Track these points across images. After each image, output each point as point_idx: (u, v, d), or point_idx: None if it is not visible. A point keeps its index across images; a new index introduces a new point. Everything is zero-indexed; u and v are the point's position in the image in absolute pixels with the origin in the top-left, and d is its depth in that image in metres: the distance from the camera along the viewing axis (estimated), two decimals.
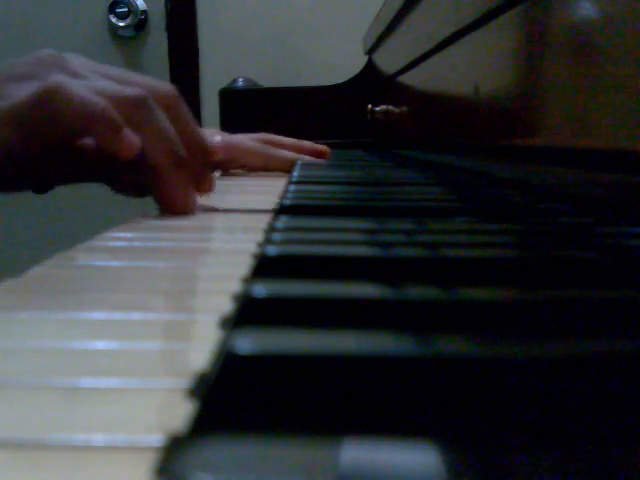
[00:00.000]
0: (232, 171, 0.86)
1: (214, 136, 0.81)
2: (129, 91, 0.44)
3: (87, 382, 0.16)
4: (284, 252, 0.28)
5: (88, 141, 0.44)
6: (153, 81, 0.47)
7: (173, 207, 0.44)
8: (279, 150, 0.86)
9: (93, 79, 0.45)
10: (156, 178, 0.44)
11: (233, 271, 0.27)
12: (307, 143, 0.94)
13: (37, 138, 0.43)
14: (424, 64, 0.89)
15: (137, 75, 0.48)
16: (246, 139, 0.85)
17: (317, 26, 2.02)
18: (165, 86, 0.47)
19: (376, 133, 1.41)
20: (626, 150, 0.35)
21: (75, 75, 0.45)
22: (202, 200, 0.49)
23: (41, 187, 0.51)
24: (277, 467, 0.12)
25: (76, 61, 0.47)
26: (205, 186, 0.48)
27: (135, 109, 0.43)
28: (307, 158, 0.90)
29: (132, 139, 0.42)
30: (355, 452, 0.13)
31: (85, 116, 0.42)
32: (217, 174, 0.81)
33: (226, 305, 0.22)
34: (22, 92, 0.42)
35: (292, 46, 2.04)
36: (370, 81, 1.46)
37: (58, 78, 0.43)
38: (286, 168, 0.82)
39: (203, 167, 0.48)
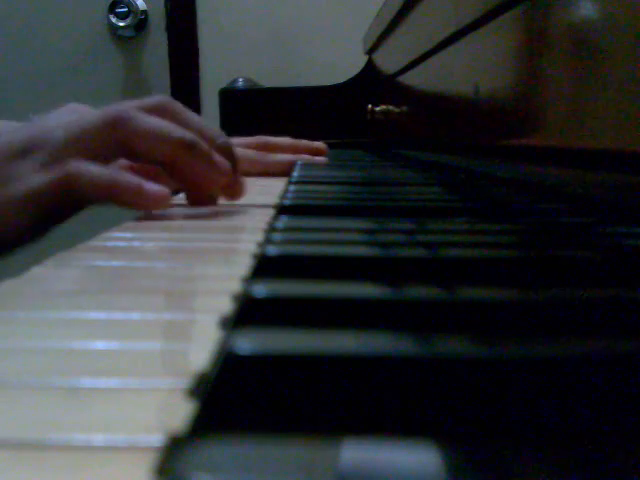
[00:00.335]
0: None
1: None
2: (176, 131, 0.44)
3: (87, 382, 0.16)
4: (284, 252, 0.28)
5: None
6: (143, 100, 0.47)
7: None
8: (276, 155, 0.86)
9: None
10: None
11: (233, 271, 0.27)
12: (304, 142, 0.94)
13: (55, 220, 0.43)
14: (424, 64, 0.89)
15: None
16: (242, 145, 0.85)
17: (317, 26, 2.02)
18: (157, 99, 0.47)
19: (376, 133, 1.41)
20: (626, 150, 0.35)
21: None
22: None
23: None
24: (277, 467, 0.12)
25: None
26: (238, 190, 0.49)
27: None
28: (305, 157, 0.90)
29: (158, 191, 0.42)
30: (355, 452, 0.13)
31: (105, 194, 0.41)
32: None
33: (226, 305, 0.22)
34: (40, 176, 0.41)
35: (292, 46, 2.04)
36: (370, 81, 1.46)
37: (73, 166, 0.42)
38: (285, 171, 0.82)
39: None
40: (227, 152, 0.47)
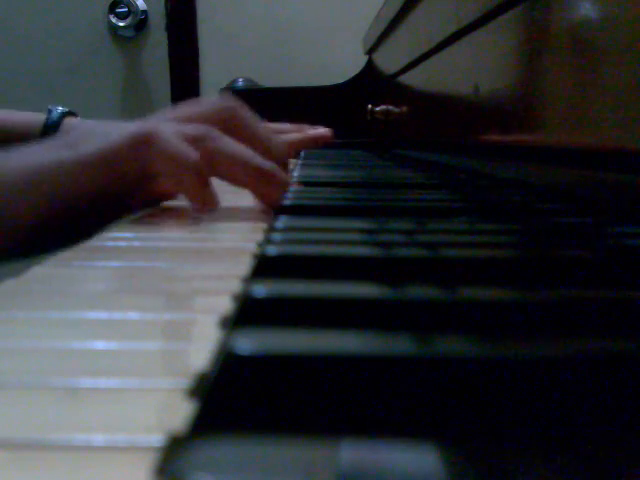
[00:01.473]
0: None
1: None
2: (190, 129, 0.44)
3: (87, 382, 0.16)
4: (284, 252, 0.28)
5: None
6: (205, 105, 0.48)
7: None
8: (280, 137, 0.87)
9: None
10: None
11: (233, 271, 0.27)
12: (309, 131, 0.94)
13: (127, 183, 0.43)
14: (424, 64, 0.89)
15: (189, 106, 0.48)
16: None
17: (317, 26, 2.02)
18: (219, 105, 0.47)
19: (376, 133, 1.41)
20: (626, 150, 0.35)
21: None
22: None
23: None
24: (277, 467, 0.12)
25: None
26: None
27: (201, 143, 0.44)
28: (312, 132, 0.91)
29: (215, 196, 0.44)
30: (355, 452, 0.13)
31: (177, 165, 0.42)
32: None
33: (226, 305, 0.22)
34: (113, 136, 0.42)
35: (292, 46, 2.04)
36: (370, 81, 1.46)
37: (151, 124, 0.43)
38: (291, 153, 0.83)
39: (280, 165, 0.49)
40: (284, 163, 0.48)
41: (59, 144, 0.42)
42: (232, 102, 0.48)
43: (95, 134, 0.43)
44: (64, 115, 0.74)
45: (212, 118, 0.46)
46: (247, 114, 0.48)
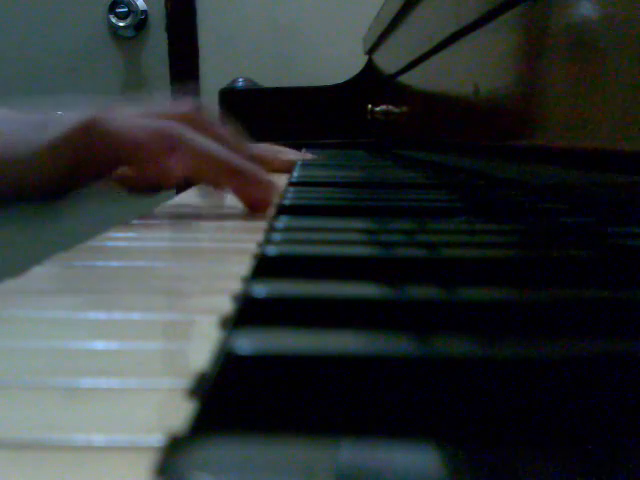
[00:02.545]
0: None
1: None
2: (158, 124, 0.44)
3: (87, 382, 0.16)
4: (284, 252, 0.28)
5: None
6: (169, 107, 0.47)
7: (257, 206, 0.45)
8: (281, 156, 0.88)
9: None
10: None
11: (233, 271, 0.27)
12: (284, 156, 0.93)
13: (88, 165, 0.43)
14: (424, 64, 0.89)
15: (152, 105, 0.48)
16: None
17: (317, 26, 2.02)
18: (182, 107, 0.47)
19: (376, 133, 1.41)
20: (626, 150, 0.35)
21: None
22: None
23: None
24: (277, 467, 0.12)
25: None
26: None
27: (169, 139, 0.43)
28: (309, 156, 0.91)
29: (174, 167, 0.43)
30: (355, 452, 0.13)
31: (130, 144, 0.42)
32: None
33: (226, 305, 0.22)
34: (62, 126, 0.42)
35: (292, 46, 2.04)
36: (370, 81, 1.46)
37: (96, 113, 0.43)
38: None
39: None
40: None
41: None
42: (194, 104, 0.47)
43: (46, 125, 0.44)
44: None
45: (176, 119, 0.45)
46: (210, 117, 0.47)
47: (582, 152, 0.41)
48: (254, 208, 0.45)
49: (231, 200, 0.49)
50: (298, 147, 1.12)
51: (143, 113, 0.45)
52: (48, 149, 0.42)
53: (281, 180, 0.66)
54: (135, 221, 0.42)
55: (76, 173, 0.43)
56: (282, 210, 0.42)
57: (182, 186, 0.49)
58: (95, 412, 0.14)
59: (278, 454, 0.12)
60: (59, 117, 0.45)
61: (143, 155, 0.42)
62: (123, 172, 0.47)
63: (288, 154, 0.90)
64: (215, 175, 0.44)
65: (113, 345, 0.18)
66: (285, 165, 0.85)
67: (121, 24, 2.07)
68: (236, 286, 0.24)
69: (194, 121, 0.45)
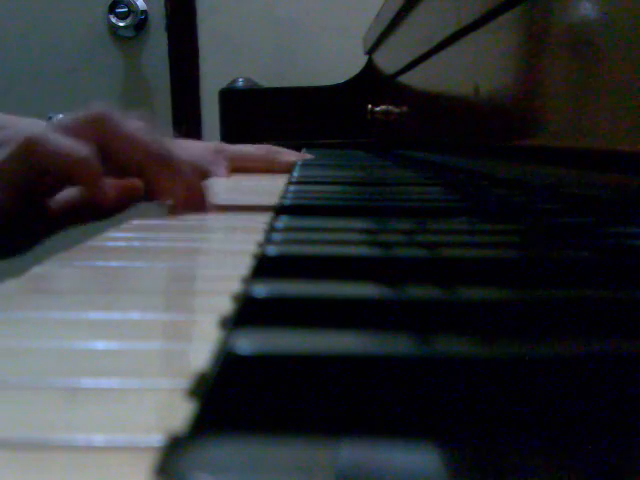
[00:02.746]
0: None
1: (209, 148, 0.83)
2: (79, 117, 0.44)
3: (87, 382, 0.16)
4: (284, 252, 0.28)
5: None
6: (74, 118, 0.46)
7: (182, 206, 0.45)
8: (281, 157, 0.88)
9: None
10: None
11: (233, 271, 0.27)
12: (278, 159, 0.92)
13: (22, 192, 0.43)
14: (424, 64, 0.89)
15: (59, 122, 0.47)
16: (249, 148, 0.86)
17: (317, 26, 2.02)
18: (88, 115, 0.46)
19: (376, 133, 1.41)
20: (626, 150, 0.35)
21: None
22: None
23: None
24: (277, 467, 0.12)
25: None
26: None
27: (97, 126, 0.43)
28: (308, 156, 0.91)
29: (108, 188, 0.43)
30: (355, 452, 0.13)
31: (68, 163, 0.41)
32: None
33: (226, 305, 0.22)
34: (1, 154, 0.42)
35: (292, 46, 2.04)
36: (370, 81, 1.46)
37: (32, 132, 0.42)
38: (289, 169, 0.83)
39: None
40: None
41: None
42: (102, 109, 0.46)
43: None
44: None
45: (83, 129, 0.44)
46: (121, 119, 0.46)
47: (582, 152, 0.41)
48: (177, 202, 0.45)
49: (231, 201, 0.49)
50: (298, 147, 1.12)
51: (57, 128, 0.44)
52: None
53: (281, 180, 0.66)
54: (135, 221, 0.42)
55: (15, 197, 0.43)
56: (282, 210, 0.42)
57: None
58: (95, 412, 0.14)
59: (278, 454, 0.12)
60: None
61: (86, 171, 0.42)
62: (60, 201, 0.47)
63: (287, 155, 0.90)
64: (134, 159, 0.43)
65: (113, 345, 0.18)
66: (284, 166, 0.85)
67: (121, 24, 2.07)
68: (236, 286, 0.24)
69: (105, 124, 0.45)
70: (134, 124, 0.46)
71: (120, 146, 0.44)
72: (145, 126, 0.46)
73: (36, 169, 0.42)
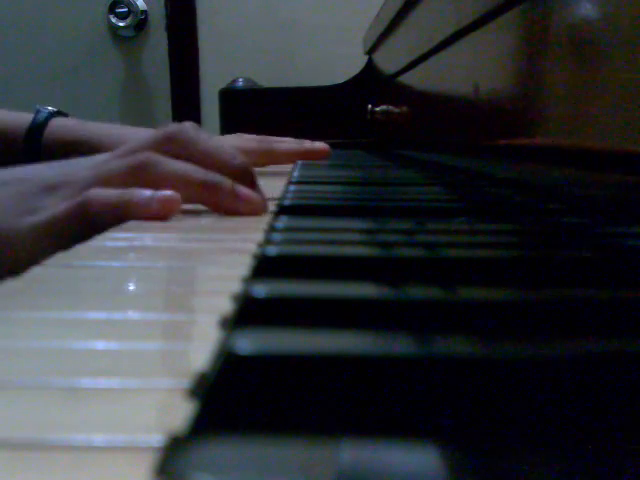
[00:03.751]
0: None
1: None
2: (121, 164, 0.44)
3: (87, 382, 0.16)
4: (284, 252, 0.28)
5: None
6: (146, 136, 0.47)
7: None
8: (280, 145, 0.87)
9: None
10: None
11: (233, 271, 0.27)
12: (305, 144, 0.93)
13: (72, 244, 0.43)
14: (424, 64, 0.89)
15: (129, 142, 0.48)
16: (244, 146, 0.85)
17: (317, 26, 2.02)
18: (158, 133, 0.47)
19: (376, 133, 1.41)
20: (626, 150, 0.35)
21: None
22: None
23: None
24: (277, 467, 0.12)
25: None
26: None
27: (141, 174, 0.44)
28: (308, 146, 0.90)
29: (169, 197, 0.43)
30: (355, 452, 0.13)
31: (119, 212, 0.42)
32: None
33: (226, 305, 0.22)
34: (60, 205, 0.43)
35: (292, 46, 2.04)
36: (370, 81, 1.46)
37: (89, 192, 0.43)
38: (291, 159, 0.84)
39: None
40: (246, 175, 0.48)
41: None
42: (174, 127, 0.47)
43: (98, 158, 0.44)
44: (52, 115, 0.75)
45: (154, 147, 0.46)
46: (191, 133, 0.47)
47: (582, 152, 0.41)
48: (224, 213, 0.46)
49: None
50: None
51: (139, 146, 0.46)
52: (31, 231, 0.43)
53: (281, 181, 0.66)
54: (135, 221, 0.42)
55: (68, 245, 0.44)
56: (282, 210, 0.42)
57: None
58: (95, 412, 0.14)
59: (278, 454, 0.12)
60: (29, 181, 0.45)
61: (139, 212, 0.42)
62: None
63: (287, 143, 0.88)
64: (182, 192, 0.44)
65: (113, 345, 0.18)
66: (285, 156, 0.85)
67: (121, 24, 2.07)
68: (236, 286, 0.24)
69: (175, 142, 0.46)
70: (209, 139, 0.48)
71: (199, 162, 0.46)
72: (217, 139, 0.48)
73: (91, 226, 0.42)
